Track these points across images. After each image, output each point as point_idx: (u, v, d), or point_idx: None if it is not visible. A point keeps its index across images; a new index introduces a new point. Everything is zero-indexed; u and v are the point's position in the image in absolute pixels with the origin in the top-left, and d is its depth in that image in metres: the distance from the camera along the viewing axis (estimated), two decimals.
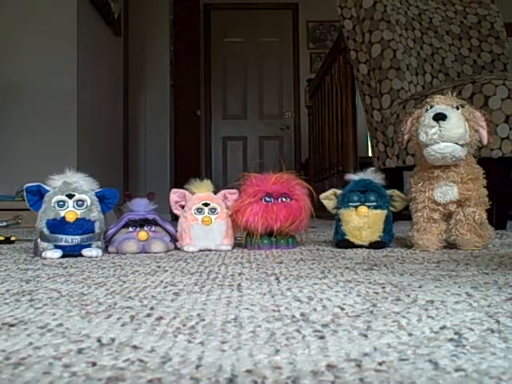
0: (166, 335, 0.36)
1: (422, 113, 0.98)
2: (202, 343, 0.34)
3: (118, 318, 0.42)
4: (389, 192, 1.07)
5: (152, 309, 0.46)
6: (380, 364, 0.29)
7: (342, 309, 0.45)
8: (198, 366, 0.29)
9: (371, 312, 0.43)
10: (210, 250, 1.04)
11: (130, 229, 1.04)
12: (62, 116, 2.69)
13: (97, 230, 0.96)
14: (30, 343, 0.35)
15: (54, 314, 0.44)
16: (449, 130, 0.92)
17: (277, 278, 0.64)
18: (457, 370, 0.28)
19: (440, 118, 0.92)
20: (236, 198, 1.08)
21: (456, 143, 0.93)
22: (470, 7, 2.35)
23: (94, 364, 0.30)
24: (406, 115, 1.06)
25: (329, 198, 1.11)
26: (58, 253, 0.92)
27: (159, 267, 0.77)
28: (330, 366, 0.29)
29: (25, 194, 0.97)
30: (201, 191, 1.08)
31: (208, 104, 5.19)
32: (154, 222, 1.05)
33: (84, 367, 0.29)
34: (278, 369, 0.29)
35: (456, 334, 0.36)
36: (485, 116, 0.98)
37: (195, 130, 4.85)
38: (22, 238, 1.51)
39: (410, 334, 0.36)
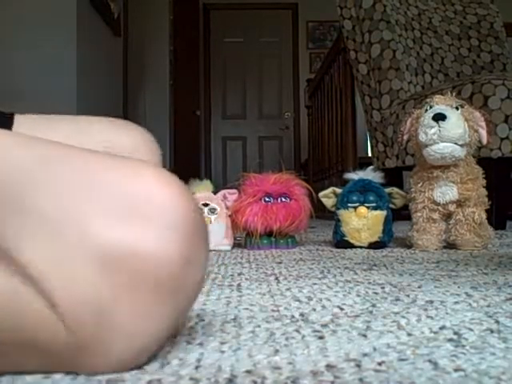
0: None
1: (422, 113, 0.98)
2: (201, 344, 0.34)
3: None
4: (388, 190, 1.07)
5: None
6: (379, 364, 0.29)
7: (342, 309, 0.45)
8: (197, 367, 0.29)
9: (370, 312, 0.43)
10: (210, 250, 1.04)
11: None
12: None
13: None
14: None
15: None
16: (448, 130, 0.92)
17: (276, 278, 0.64)
18: (456, 370, 0.28)
19: (439, 118, 0.92)
20: (236, 198, 1.08)
21: (455, 143, 0.93)
22: (470, 7, 2.35)
23: None
24: (405, 115, 1.06)
25: (328, 197, 1.11)
26: None
27: None
28: (329, 366, 0.29)
29: None
30: (200, 191, 1.08)
31: (207, 104, 5.19)
32: None
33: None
34: (278, 369, 0.29)
35: (455, 334, 0.36)
36: (484, 116, 0.98)
37: (195, 130, 4.85)
38: None
39: (409, 334, 0.36)
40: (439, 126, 0.92)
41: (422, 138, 0.95)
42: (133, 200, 0.26)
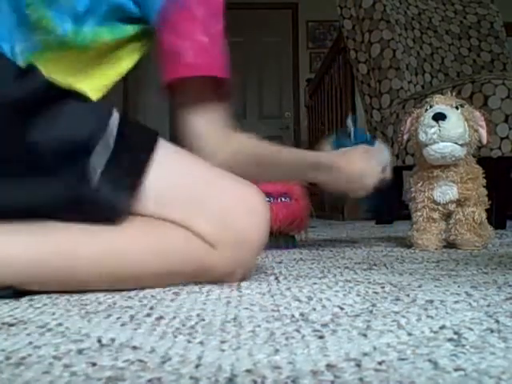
0: (165, 335, 0.36)
1: (422, 112, 0.98)
2: (201, 343, 0.34)
3: (118, 318, 0.42)
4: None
5: (152, 308, 0.46)
6: (379, 363, 0.29)
7: (342, 308, 0.45)
8: (197, 366, 0.29)
9: (371, 312, 0.43)
10: None
11: None
12: None
13: None
14: (30, 343, 0.35)
15: (54, 314, 0.44)
16: (448, 130, 0.92)
17: (276, 278, 0.64)
18: (456, 370, 0.28)
19: (439, 117, 0.92)
20: None
21: (455, 143, 0.93)
22: (470, 7, 2.35)
23: (94, 364, 0.30)
24: (405, 115, 1.06)
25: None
26: None
27: None
28: (329, 366, 0.29)
29: None
30: None
31: None
32: None
33: (84, 367, 0.29)
34: (278, 368, 0.29)
35: (455, 333, 0.36)
36: (484, 116, 0.98)
37: None
38: None
39: (409, 334, 0.36)
40: (439, 126, 0.92)
41: (422, 137, 0.95)
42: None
